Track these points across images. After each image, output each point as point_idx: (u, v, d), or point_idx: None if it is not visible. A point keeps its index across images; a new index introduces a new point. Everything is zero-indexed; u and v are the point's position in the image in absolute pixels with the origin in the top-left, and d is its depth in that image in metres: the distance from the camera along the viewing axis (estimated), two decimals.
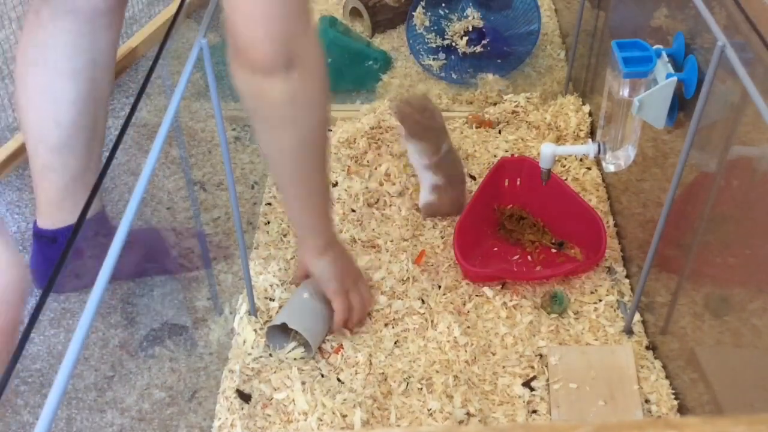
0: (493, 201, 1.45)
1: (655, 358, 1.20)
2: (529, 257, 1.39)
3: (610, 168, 1.20)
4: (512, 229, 1.42)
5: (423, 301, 1.28)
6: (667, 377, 1.17)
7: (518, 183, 1.47)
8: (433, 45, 1.82)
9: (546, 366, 1.18)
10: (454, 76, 1.81)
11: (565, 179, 1.52)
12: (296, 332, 1.19)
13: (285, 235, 1.43)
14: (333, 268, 1.18)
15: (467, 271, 1.31)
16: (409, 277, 1.32)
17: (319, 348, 1.21)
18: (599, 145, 1.20)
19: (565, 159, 1.59)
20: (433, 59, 1.82)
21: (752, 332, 0.95)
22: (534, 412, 1.14)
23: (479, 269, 1.33)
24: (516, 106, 1.70)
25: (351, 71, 1.82)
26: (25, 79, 1.20)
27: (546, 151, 1.22)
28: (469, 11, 1.80)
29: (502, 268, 1.36)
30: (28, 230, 1.48)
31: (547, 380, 1.16)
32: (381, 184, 1.53)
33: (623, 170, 1.20)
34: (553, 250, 1.39)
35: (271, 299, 1.29)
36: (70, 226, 1.23)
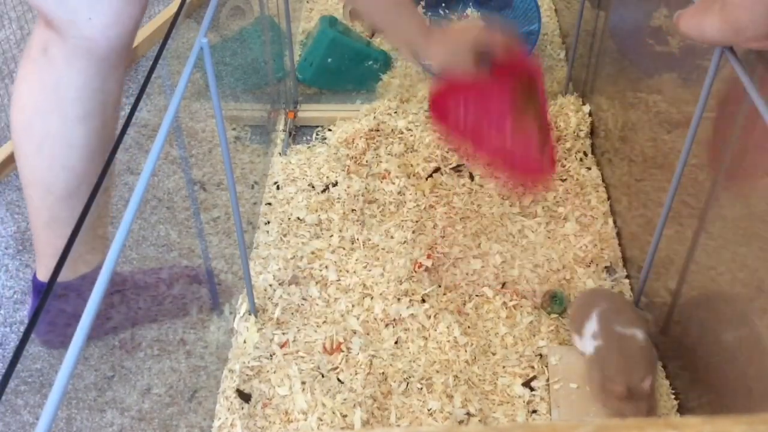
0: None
1: None
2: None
3: None
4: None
5: (423, 301, 1.28)
6: (667, 377, 1.17)
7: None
8: None
9: (546, 366, 1.18)
10: None
11: (565, 179, 1.52)
12: None
13: (285, 235, 1.43)
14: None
15: (435, 116, 1.22)
16: (409, 277, 1.32)
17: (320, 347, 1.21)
18: None
19: (566, 159, 1.59)
20: None
21: (752, 332, 0.95)
22: (534, 412, 1.14)
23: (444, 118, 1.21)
24: None
25: (351, 71, 1.82)
26: (32, 126, 1.10)
27: None
28: (469, 11, 1.80)
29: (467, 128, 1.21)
30: (28, 230, 1.48)
31: (547, 380, 1.17)
32: (380, 184, 1.53)
33: (624, 170, 1.20)
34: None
35: (271, 299, 1.30)
36: (80, 276, 1.11)
